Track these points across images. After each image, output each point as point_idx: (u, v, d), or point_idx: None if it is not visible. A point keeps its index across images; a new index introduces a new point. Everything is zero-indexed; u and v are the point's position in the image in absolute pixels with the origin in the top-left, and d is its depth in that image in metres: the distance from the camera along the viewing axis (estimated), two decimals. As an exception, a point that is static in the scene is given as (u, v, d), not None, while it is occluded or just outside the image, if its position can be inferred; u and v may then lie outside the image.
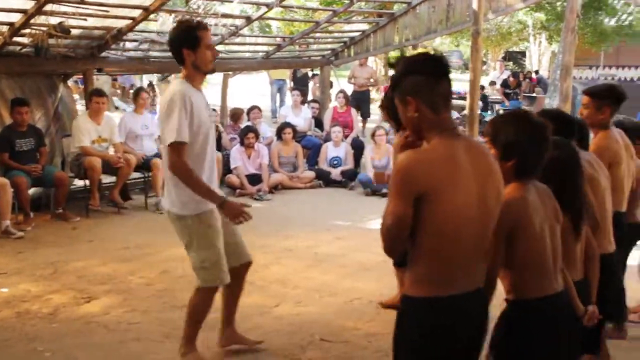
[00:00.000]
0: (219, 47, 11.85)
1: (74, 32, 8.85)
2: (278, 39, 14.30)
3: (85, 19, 8.57)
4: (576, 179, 3.31)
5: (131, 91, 12.79)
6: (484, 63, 36.69)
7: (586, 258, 3.52)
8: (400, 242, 2.62)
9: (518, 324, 2.96)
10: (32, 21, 8.15)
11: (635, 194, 4.95)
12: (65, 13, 8.30)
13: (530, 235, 2.90)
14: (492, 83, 19.72)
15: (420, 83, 2.63)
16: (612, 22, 23.34)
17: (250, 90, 21.60)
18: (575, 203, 3.25)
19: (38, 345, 4.83)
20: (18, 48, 8.89)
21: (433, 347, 2.66)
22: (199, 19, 10.22)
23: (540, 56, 32.60)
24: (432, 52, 2.81)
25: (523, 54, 36.51)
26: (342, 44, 13.78)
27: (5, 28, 8.28)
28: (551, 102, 17.69)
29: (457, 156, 2.60)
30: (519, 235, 2.88)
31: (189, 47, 4.27)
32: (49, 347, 4.82)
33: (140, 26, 9.62)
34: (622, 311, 5.28)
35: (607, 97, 4.66)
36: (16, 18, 8.11)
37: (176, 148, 4.16)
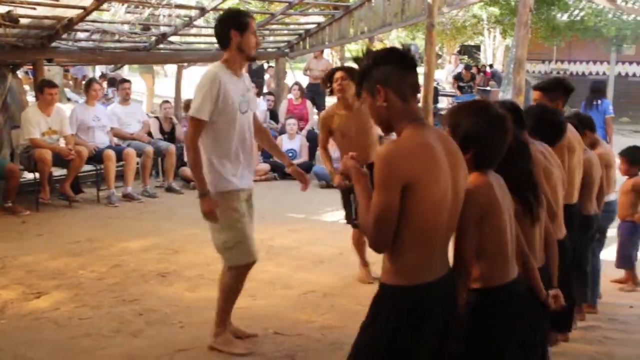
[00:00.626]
0: (172, 38, 11.75)
1: (23, 21, 8.67)
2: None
3: (35, 8, 8.41)
4: (528, 167, 3.33)
5: (84, 82, 12.56)
6: (439, 57, 36.98)
7: (545, 245, 3.56)
8: (389, 233, 2.60)
9: (484, 312, 2.95)
10: (-21, 10, 7.97)
11: (586, 187, 5.02)
12: (13, 1, 8.12)
13: (498, 222, 2.92)
14: (456, 78, 19.76)
15: (389, 72, 2.68)
16: (565, 17, 23.67)
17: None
18: (530, 190, 3.27)
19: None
20: (-35, 38, 8.69)
21: (411, 333, 2.67)
22: (159, 10, 10.15)
23: (494, 50, 32.93)
24: (396, 46, 2.86)
25: (478, 47, 36.82)
26: (297, 36, 13.75)
27: (-50, 17, 8.08)
28: (505, 95, 17.96)
29: (432, 144, 2.63)
30: (488, 222, 2.89)
31: (238, 29, 4.48)
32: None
33: (93, 16, 9.46)
34: (583, 295, 5.48)
35: (558, 90, 4.73)
36: (-37, 6, 7.92)
37: (193, 122, 4.43)
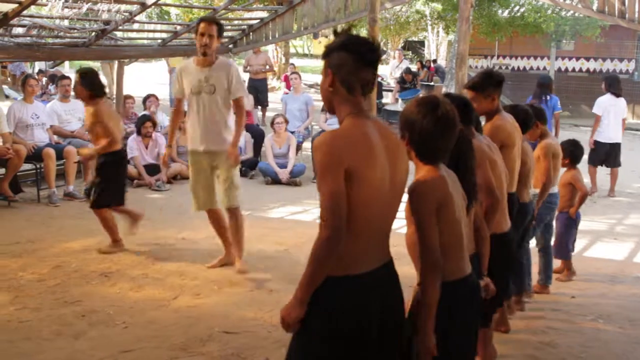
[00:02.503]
0: (117, 34, 11.56)
1: (-45, 16, 8.42)
2: (175, 26, 14.04)
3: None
4: (468, 161, 3.35)
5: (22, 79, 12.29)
6: (384, 52, 37.23)
7: (478, 237, 3.59)
8: (342, 220, 2.57)
9: (441, 306, 2.93)
10: None
11: (522, 175, 5.10)
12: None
13: (452, 215, 2.94)
14: (399, 82, 19.80)
15: (343, 61, 2.71)
16: (506, 13, 24.04)
17: (148, 78, 21.16)
18: (467, 182, 3.29)
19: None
20: None
21: (345, 324, 2.67)
22: (99, 5, 9.98)
23: (438, 45, 33.32)
24: (370, 40, 2.80)
25: (422, 43, 37.20)
26: (240, 31, 13.65)
27: None
28: (448, 90, 18.12)
29: (371, 135, 2.65)
30: (443, 215, 2.90)
31: (195, 33, 6.05)
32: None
33: (30, 11, 9.23)
34: (522, 284, 5.58)
35: (489, 84, 4.75)
36: None
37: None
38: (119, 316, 5.24)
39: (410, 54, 34.27)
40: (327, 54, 2.77)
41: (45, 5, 9.90)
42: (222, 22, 13.16)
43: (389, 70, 22.58)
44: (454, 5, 22.19)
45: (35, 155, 9.02)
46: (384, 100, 18.37)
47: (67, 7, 10.17)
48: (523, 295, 5.69)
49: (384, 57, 35.39)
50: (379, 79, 18.86)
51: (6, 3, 8.62)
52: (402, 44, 35.81)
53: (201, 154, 6.20)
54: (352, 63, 2.70)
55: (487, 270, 3.62)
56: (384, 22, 29.00)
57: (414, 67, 22.50)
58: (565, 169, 6.56)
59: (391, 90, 20.00)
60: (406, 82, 19.41)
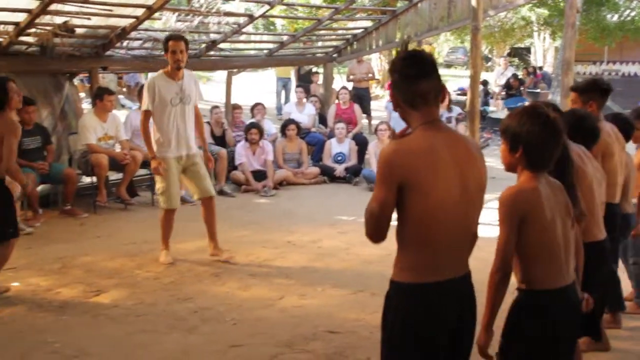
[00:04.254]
0: (222, 45, 11.98)
1: (79, 31, 8.97)
2: (281, 37, 14.39)
3: (90, 18, 8.69)
4: (568, 173, 3.38)
5: (137, 89, 12.88)
6: (489, 60, 36.77)
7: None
8: (382, 227, 2.74)
9: (527, 314, 3.03)
10: (37, 21, 8.26)
11: (625, 186, 5.02)
12: (69, 12, 8.41)
13: (541, 226, 2.97)
14: (505, 87, 19.53)
15: (398, 82, 2.82)
16: (615, 17, 23.34)
17: (256, 87, 21.69)
18: (570, 191, 3.31)
19: (48, 336, 4.95)
20: (24, 47, 9.01)
21: (418, 331, 2.76)
22: (209, 18, 10.41)
23: (544, 52, 32.62)
24: (418, 50, 2.90)
25: (528, 50, 36.51)
26: (344, 41, 13.87)
27: (10, 28, 8.40)
28: (554, 97, 17.80)
29: (435, 146, 2.72)
30: (530, 224, 2.95)
31: (165, 51, 6.64)
32: (58, 338, 4.94)
33: (145, 25, 9.73)
34: (619, 300, 5.39)
35: (592, 90, 4.73)
36: (21, 18, 8.22)
37: (143, 112, 6.73)
38: (228, 313, 5.50)
39: (516, 61, 33.67)
40: (390, 76, 2.91)
41: (159, 19, 10.40)
42: (327, 32, 13.48)
43: (493, 78, 22.31)
44: (560, 10, 21.76)
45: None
46: (489, 109, 18.18)
47: (179, 21, 10.65)
48: (618, 312, 5.36)
49: (488, 64, 34.97)
50: (486, 88, 18.71)
51: (124, 18, 9.13)
52: (508, 51, 35.23)
53: (176, 159, 6.72)
54: (402, 80, 2.80)
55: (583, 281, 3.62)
56: (488, 30, 28.64)
57: (519, 74, 22.15)
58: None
59: (499, 98, 19.77)
60: (512, 88, 19.16)
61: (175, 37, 6.80)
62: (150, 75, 6.73)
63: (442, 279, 2.76)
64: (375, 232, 2.76)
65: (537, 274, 3.02)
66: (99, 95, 9.17)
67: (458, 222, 2.77)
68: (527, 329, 3.03)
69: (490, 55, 37.97)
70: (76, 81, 11.31)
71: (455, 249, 2.80)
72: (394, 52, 26.20)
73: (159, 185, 6.79)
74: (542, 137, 2.97)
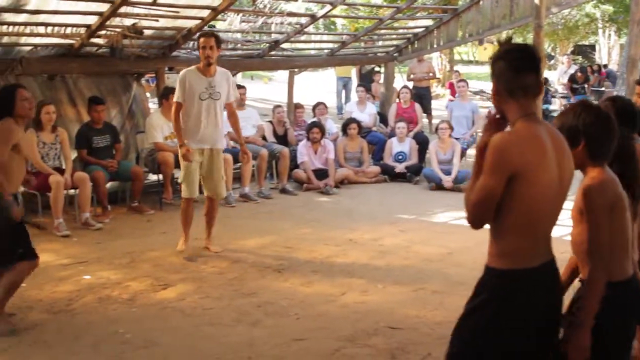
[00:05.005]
0: (284, 45, 12.13)
1: (147, 32, 9.24)
2: (342, 36, 14.49)
3: (157, 20, 8.94)
4: (634, 164, 3.37)
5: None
6: (552, 57, 36.20)
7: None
8: (486, 215, 2.79)
9: (607, 304, 3.00)
10: (107, 23, 8.54)
11: None
12: (138, 15, 8.67)
13: (624, 216, 3.03)
14: (570, 80, 19.23)
15: (503, 70, 2.85)
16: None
17: (317, 87, 21.83)
18: (633, 186, 3.31)
19: (119, 327, 5.15)
20: (94, 49, 9.30)
21: (513, 316, 2.81)
22: (272, 18, 10.57)
23: (609, 49, 32.01)
24: (524, 45, 2.99)
25: (593, 47, 35.86)
26: (405, 40, 13.88)
27: (82, 30, 8.69)
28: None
29: (541, 138, 2.78)
30: (615, 215, 2.99)
31: (198, 47, 6.92)
32: (129, 329, 5.13)
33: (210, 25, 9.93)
34: None
35: None
36: (92, 20, 8.51)
37: (174, 104, 6.99)
38: (291, 308, 5.62)
39: (580, 59, 33.10)
40: (492, 64, 2.94)
41: (224, 20, 10.60)
42: (388, 31, 13.53)
43: (556, 76, 22.01)
44: (626, 7, 21.38)
45: (214, 160, 9.66)
46: (550, 107, 17.96)
47: (244, 21, 10.85)
48: None
49: (551, 62, 34.44)
50: (546, 86, 18.48)
51: (190, 20, 9.35)
52: (572, 49, 34.66)
53: (198, 151, 6.97)
54: (509, 71, 2.84)
55: None
56: (551, 27, 28.24)
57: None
58: None
59: (559, 97, 19.51)
60: (578, 82, 18.87)
61: (206, 33, 7.10)
62: (185, 70, 7.02)
63: (537, 264, 2.84)
64: (478, 219, 2.82)
65: (616, 265, 3.05)
66: (165, 95, 9.37)
67: (554, 211, 2.86)
68: (610, 319, 3.01)
69: (553, 54, 37.39)
70: (142, 81, 11.59)
71: (547, 235, 2.90)
72: (455, 51, 26.07)
73: (181, 173, 7.13)
74: (601, 127, 3.04)
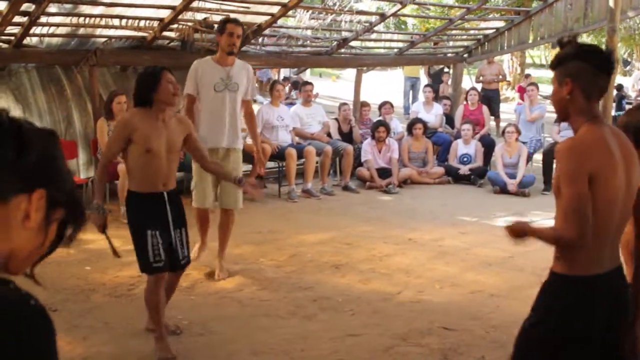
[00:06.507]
0: (353, 43, 12.16)
1: (217, 27, 9.37)
2: (412, 36, 14.44)
3: (228, 15, 9.07)
4: None
5: (268, 85, 13.29)
6: (628, 63, 35.29)
7: None
8: (588, 223, 2.68)
9: None
10: (179, 17, 8.72)
11: None
12: (210, 9, 8.83)
13: None
14: None
15: (582, 69, 2.78)
16: None
17: (384, 86, 21.80)
18: None
19: (177, 314, 5.27)
20: (166, 42, 9.50)
21: (574, 323, 2.78)
22: (342, 16, 10.60)
23: (688, 56, 31.05)
24: (602, 48, 2.93)
25: (671, 53, 34.84)
26: (475, 41, 13.75)
27: (155, 23, 8.89)
28: (697, 104, 16.91)
29: (609, 141, 2.75)
30: None
31: (219, 32, 6.12)
32: (187, 316, 5.26)
33: (279, 22, 10.03)
34: None
35: None
36: (165, 14, 8.70)
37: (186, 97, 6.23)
38: (347, 304, 5.66)
39: (658, 65, 32.19)
40: (559, 63, 2.87)
41: (294, 16, 10.70)
42: (458, 32, 13.43)
43: (631, 83, 21.48)
44: None
45: (279, 155, 9.78)
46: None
47: (312, 19, 10.93)
48: None
49: (627, 68, 33.59)
50: (621, 92, 18.04)
51: (260, 15, 9.47)
52: (649, 55, 33.72)
53: (212, 151, 6.00)
54: (590, 71, 2.78)
55: None
56: (627, 32, 27.55)
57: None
58: None
59: (631, 103, 19.03)
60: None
61: (235, 20, 6.28)
62: (197, 60, 6.32)
63: (603, 271, 2.80)
64: (583, 230, 2.67)
65: None
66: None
67: (621, 215, 2.81)
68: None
69: (629, 59, 36.43)
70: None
71: (615, 241, 2.85)
72: (527, 54, 25.64)
73: (193, 180, 6.37)
74: None
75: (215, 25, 9.17)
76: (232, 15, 9.04)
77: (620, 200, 2.76)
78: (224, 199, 6.32)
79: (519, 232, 2.93)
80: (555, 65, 2.89)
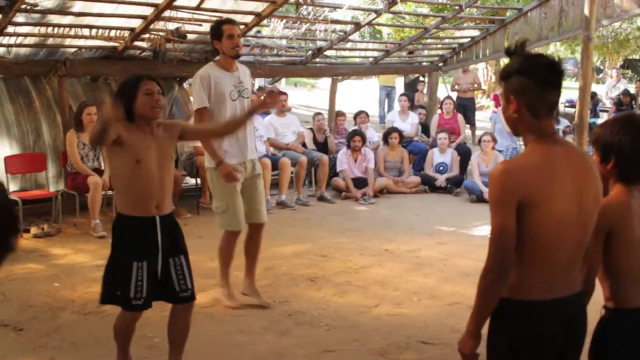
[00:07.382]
0: (328, 52, 12.10)
1: (190, 37, 9.27)
2: (387, 45, 14.41)
3: (201, 25, 8.96)
4: None
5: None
6: (600, 71, 35.69)
7: None
8: (507, 256, 2.55)
9: (614, 333, 2.90)
10: (151, 27, 8.60)
11: None
12: (182, 19, 8.71)
13: (630, 241, 2.83)
14: (616, 104, 18.84)
15: (527, 86, 2.59)
16: None
17: (359, 95, 21.79)
18: None
19: (148, 331, 5.09)
20: (138, 52, 9.37)
21: (527, 351, 2.66)
22: (316, 25, 10.51)
23: (661, 64, 31.42)
24: (551, 58, 2.70)
25: (643, 61, 35.25)
26: (450, 50, 13.76)
27: (126, 33, 8.75)
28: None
29: (554, 162, 2.58)
30: (617, 239, 2.82)
31: (216, 38, 5.53)
32: (157, 333, 5.06)
33: (253, 31, 9.93)
34: None
35: None
36: (136, 23, 8.57)
37: (196, 111, 5.58)
38: (323, 318, 5.54)
39: (630, 73, 32.52)
40: (505, 78, 2.67)
41: (268, 26, 10.61)
42: (433, 41, 13.42)
43: (604, 90, 21.62)
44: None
45: (253, 165, 9.63)
46: (598, 121, 17.63)
47: (287, 28, 10.84)
48: None
49: (600, 76, 33.93)
50: (594, 100, 18.14)
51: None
52: (621, 63, 34.08)
53: (241, 166, 5.67)
54: (535, 88, 2.58)
55: None
56: (600, 40, 27.82)
57: (632, 87, 21.36)
58: None
59: (607, 111, 19.14)
60: (623, 104, 18.50)
61: (230, 20, 5.78)
62: (203, 68, 5.68)
63: (556, 296, 2.64)
64: (499, 262, 2.55)
65: (625, 292, 2.87)
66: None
67: (574, 238, 2.63)
68: (616, 348, 2.88)
69: (602, 67, 36.83)
70: (186, 85, 11.65)
71: (569, 267, 2.68)
72: (501, 62, 25.79)
73: (216, 202, 5.72)
74: (636, 147, 2.84)
75: (188, 35, 9.09)
76: (205, 25, 8.98)
77: (572, 224, 2.59)
78: (253, 215, 5.82)
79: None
80: (502, 78, 2.70)
